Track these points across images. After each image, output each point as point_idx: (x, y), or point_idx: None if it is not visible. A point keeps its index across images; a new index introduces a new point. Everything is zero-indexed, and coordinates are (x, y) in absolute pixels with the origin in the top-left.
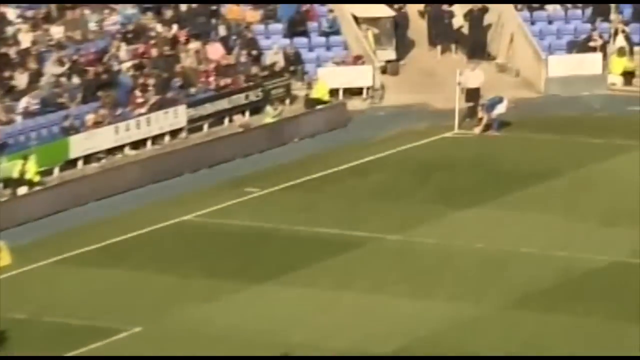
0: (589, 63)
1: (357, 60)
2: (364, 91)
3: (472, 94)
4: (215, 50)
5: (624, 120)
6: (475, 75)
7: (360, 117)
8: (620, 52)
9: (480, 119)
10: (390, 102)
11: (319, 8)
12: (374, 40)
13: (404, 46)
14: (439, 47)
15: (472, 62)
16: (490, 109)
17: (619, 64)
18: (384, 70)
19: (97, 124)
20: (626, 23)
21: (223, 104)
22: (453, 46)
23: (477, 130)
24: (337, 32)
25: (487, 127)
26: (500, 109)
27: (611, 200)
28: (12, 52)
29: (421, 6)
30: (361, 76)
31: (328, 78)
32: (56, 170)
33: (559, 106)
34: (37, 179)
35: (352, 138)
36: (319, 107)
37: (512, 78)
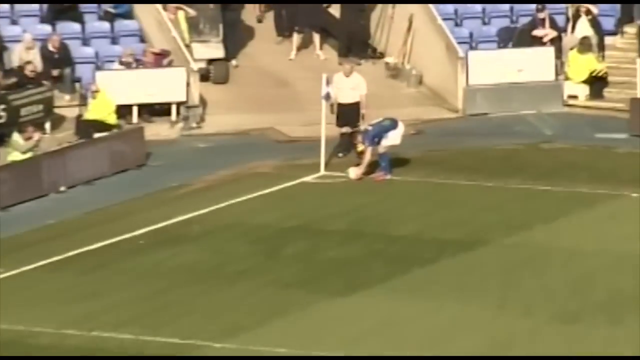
0: (535, 64)
1: (161, 59)
2: (173, 109)
3: (348, 114)
4: None
5: (589, 155)
6: (352, 84)
7: (168, 152)
8: (584, 45)
9: (361, 154)
10: (216, 126)
11: None
12: (188, 28)
13: (237, 37)
14: (293, 39)
15: (347, 63)
16: (376, 138)
17: (582, 65)
18: (205, 76)
19: None
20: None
21: None
22: (317, 37)
23: (354, 172)
24: (127, 14)
25: (372, 167)
26: (393, 138)
27: (570, 281)
28: None
29: None
30: (168, 85)
31: (114, 88)
32: None
33: (487, 133)
34: None
35: (154, 185)
36: (99, 135)
37: (411, 88)
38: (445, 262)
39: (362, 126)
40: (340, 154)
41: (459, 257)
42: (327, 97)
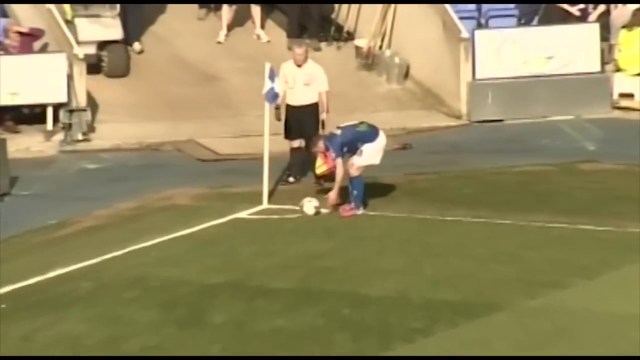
0: (571, 48)
1: (31, 41)
2: (49, 114)
3: (301, 122)
4: None
5: None
6: (306, 78)
7: (42, 175)
8: None
9: (322, 178)
10: (111, 139)
11: None
12: None
13: (141, 11)
14: (223, 13)
15: (300, 47)
16: (345, 147)
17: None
18: (96, 67)
19: None
20: None
21: None
22: (256, 11)
23: (311, 205)
24: None
25: (340, 197)
26: (370, 155)
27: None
28: None
29: None
30: (41, 79)
31: None
32: None
33: (500, 149)
34: None
35: (22, 223)
36: None
37: (392, 83)
38: (441, 335)
39: (323, 136)
40: (292, 179)
41: (460, 327)
42: (272, 96)
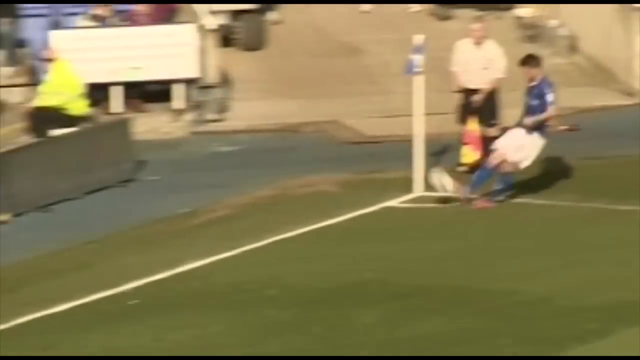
0: None
1: (166, 10)
2: (179, 92)
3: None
4: None
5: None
6: (483, 59)
7: (170, 159)
8: None
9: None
10: (246, 119)
11: None
12: None
13: None
14: None
15: (477, 23)
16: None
17: None
18: (227, 39)
19: None
20: None
21: None
22: None
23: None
24: None
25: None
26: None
27: None
28: None
29: None
30: (170, 54)
31: (81, 57)
32: None
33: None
34: None
35: (148, 211)
36: (58, 132)
37: (556, 58)
38: (618, 336)
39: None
40: (461, 168)
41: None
42: (409, 68)
